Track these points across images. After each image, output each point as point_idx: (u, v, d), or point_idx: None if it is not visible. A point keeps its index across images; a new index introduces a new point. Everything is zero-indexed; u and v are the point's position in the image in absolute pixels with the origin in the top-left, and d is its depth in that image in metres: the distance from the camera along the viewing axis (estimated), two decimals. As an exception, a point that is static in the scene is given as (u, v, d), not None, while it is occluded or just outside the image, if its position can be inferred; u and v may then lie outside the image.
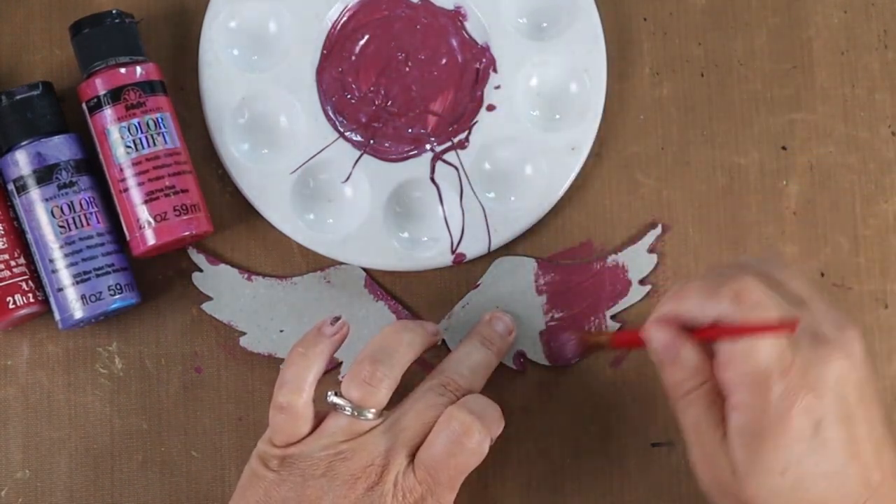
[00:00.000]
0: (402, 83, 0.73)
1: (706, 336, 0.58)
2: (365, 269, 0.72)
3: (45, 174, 0.68)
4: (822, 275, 0.73)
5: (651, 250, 0.73)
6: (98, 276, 0.68)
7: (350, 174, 0.72)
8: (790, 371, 0.56)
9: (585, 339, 0.71)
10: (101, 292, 0.68)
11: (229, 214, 0.73)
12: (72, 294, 0.68)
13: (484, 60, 0.73)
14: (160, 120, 0.69)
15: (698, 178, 0.74)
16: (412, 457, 0.63)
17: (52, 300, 0.69)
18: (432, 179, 0.72)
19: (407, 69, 0.73)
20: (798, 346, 0.56)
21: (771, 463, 0.56)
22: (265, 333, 0.72)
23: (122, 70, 0.69)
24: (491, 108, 0.73)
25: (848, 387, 0.57)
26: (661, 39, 0.74)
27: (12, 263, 0.69)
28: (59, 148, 0.69)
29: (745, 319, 0.56)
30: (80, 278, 0.68)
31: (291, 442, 0.63)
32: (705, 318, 0.58)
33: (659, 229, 0.73)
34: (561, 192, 0.72)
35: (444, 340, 0.72)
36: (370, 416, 0.63)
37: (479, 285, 0.72)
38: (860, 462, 0.57)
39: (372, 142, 0.73)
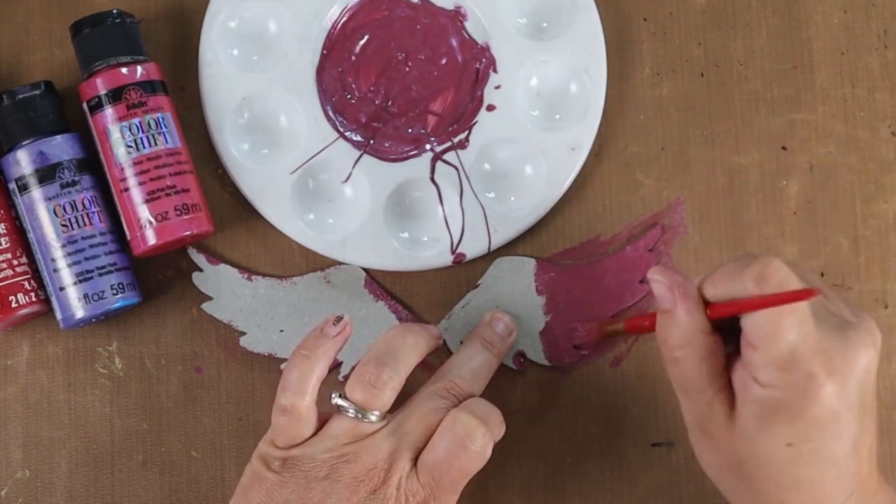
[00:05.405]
0: (402, 83, 0.73)
1: (729, 310, 0.58)
2: (365, 269, 0.72)
3: (47, 173, 0.68)
4: (822, 275, 0.73)
5: (651, 250, 0.73)
6: (100, 275, 0.68)
7: (350, 174, 0.72)
8: (819, 353, 0.55)
9: (601, 328, 0.71)
10: (103, 291, 0.68)
11: (229, 214, 0.73)
12: (73, 293, 0.68)
13: (484, 60, 0.73)
14: (161, 119, 0.69)
15: (698, 178, 0.74)
16: (415, 460, 0.63)
17: (53, 299, 0.69)
18: (432, 179, 0.72)
19: (407, 69, 0.73)
20: (825, 329, 0.56)
21: (781, 434, 0.56)
22: (265, 333, 0.72)
23: (124, 70, 0.68)
24: (491, 108, 0.73)
25: (869, 377, 0.57)
26: (661, 39, 0.74)
27: (14, 262, 0.69)
28: (62, 147, 0.68)
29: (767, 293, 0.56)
30: (82, 277, 0.68)
31: (294, 444, 0.63)
32: (728, 297, 0.58)
33: (659, 229, 0.73)
34: (561, 192, 0.72)
35: (443, 340, 0.72)
36: (374, 418, 0.63)
37: (479, 285, 0.72)
38: (860, 454, 0.57)
39: (372, 142, 0.72)
